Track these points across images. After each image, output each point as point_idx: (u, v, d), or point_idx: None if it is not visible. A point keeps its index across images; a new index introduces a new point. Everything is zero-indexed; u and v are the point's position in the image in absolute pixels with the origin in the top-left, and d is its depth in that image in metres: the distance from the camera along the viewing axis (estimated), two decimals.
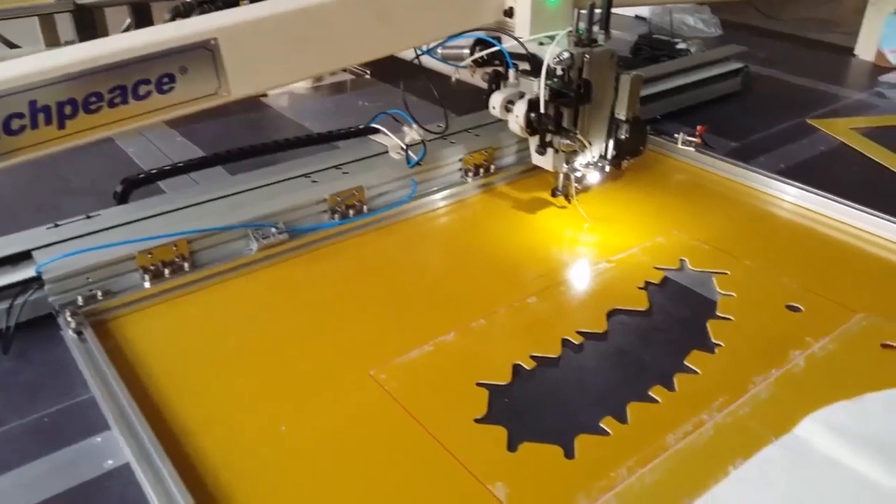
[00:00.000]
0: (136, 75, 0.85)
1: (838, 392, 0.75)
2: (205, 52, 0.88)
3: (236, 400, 0.77)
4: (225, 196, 1.04)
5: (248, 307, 0.92)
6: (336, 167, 1.10)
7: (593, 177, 1.10)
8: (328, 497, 0.66)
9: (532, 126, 1.02)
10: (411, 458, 0.70)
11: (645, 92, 1.43)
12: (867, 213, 1.09)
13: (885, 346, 0.83)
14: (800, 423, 0.71)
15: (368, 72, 1.82)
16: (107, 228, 0.95)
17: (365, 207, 1.08)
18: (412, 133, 1.09)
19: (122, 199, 1.01)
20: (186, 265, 0.94)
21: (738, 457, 0.67)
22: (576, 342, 0.85)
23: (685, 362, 0.81)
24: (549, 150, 1.05)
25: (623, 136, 1.08)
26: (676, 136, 1.30)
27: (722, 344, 0.84)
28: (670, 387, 0.78)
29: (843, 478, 0.65)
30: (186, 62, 0.88)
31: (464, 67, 1.13)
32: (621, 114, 1.06)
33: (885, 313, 0.88)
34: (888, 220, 1.06)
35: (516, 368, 0.81)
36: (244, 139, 1.17)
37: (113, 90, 0.84)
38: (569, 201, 1.13)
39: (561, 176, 1.11)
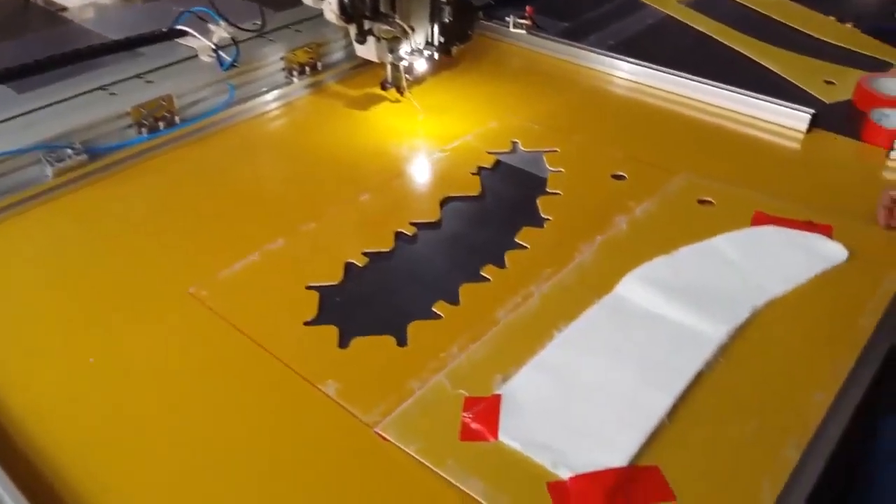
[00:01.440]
0: None
1: (658, 249, 0.77)
2: None
3: (38, 339, 0.69)
4: (9, 118, 0.91)
5: (48, 240, 0.83)
6: (138, 76, 1.00)
7: (420, 65, 1.06)
8: (149, 421, 0.61)
9: (347, 13, 0.95)
10: (237, 372, 0.66)
11: None
12: (689, 79, 1.11)
13: (701, 201, 0.86)
14: (620, 282, 0.73)
15: None
16: None
17: (177, 118, 0.99)
18: (220, 32, 0.99)
19: None
20: None
21: (562, 321, 0.68)
22: (409, 233, 0.83)
23: (515, 240, 0.81)
24: (370, 39, 0.99)
25: (447, 20, 1.04)
26: (507, 19, 1.27)
27: (550, 218, 0.85)
28: (501, 265, 0.78)
29: (657, 326, 0.67)
30: None
31: None
32: None
33: (703, 171, 0.91)
34: (708, 84, 1.09)
35: (348, 267, 0.78)
36: None
37: None
38: (401, 94, 1.09)
39: (388, 67, 1.06)
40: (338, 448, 0.59)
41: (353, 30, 0.98)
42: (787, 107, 1.02)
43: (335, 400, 0.62)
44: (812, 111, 1.00)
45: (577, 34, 1.29)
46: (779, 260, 0.75)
